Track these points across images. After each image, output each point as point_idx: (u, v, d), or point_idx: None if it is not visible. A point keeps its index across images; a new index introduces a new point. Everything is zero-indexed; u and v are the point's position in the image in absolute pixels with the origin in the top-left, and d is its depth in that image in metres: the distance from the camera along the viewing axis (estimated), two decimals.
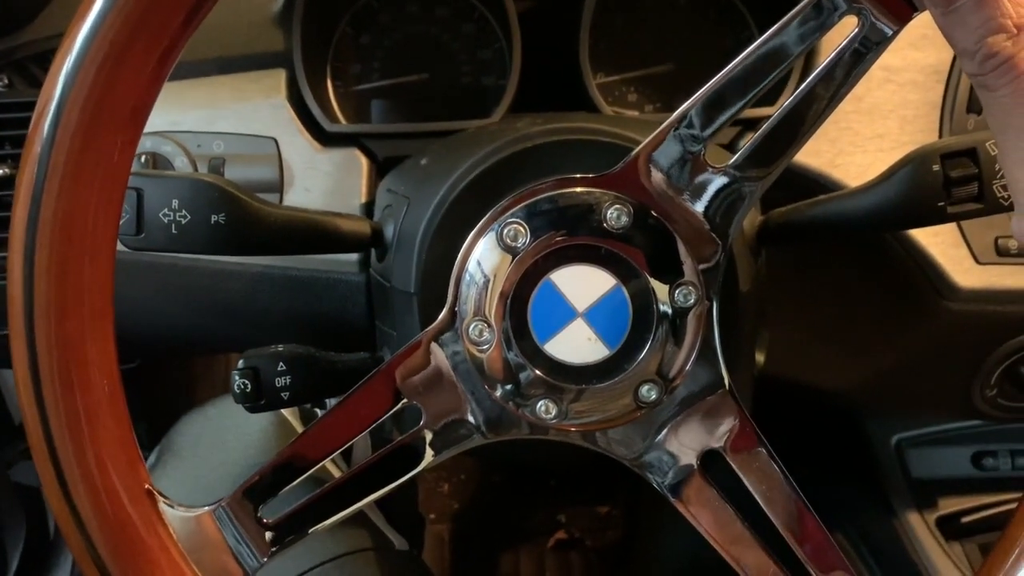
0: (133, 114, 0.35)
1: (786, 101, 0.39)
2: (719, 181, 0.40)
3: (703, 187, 0.40)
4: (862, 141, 0.67)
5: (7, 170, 0.74)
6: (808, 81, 0.40)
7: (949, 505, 0.85)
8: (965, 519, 0.84)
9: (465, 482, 1.45)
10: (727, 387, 0.42)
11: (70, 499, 0.35)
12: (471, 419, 0.42)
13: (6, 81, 0.77)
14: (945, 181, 0.48)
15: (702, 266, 0.41)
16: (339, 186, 0.69)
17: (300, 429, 0.77)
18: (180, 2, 0.35)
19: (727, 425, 0.42)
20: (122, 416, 0.37)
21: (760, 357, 0.62)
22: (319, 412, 0.82)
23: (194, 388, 1.34)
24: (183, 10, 0.35)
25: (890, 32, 0.38)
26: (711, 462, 0.43)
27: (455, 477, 1.45)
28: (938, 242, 0.66)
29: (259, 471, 0.41)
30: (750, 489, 0.42)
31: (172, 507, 0.39)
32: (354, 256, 0.67)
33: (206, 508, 0.40)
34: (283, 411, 0.78)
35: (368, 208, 0.68)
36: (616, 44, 0.77)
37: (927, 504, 0.86)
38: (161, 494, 0.39)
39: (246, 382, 0.53)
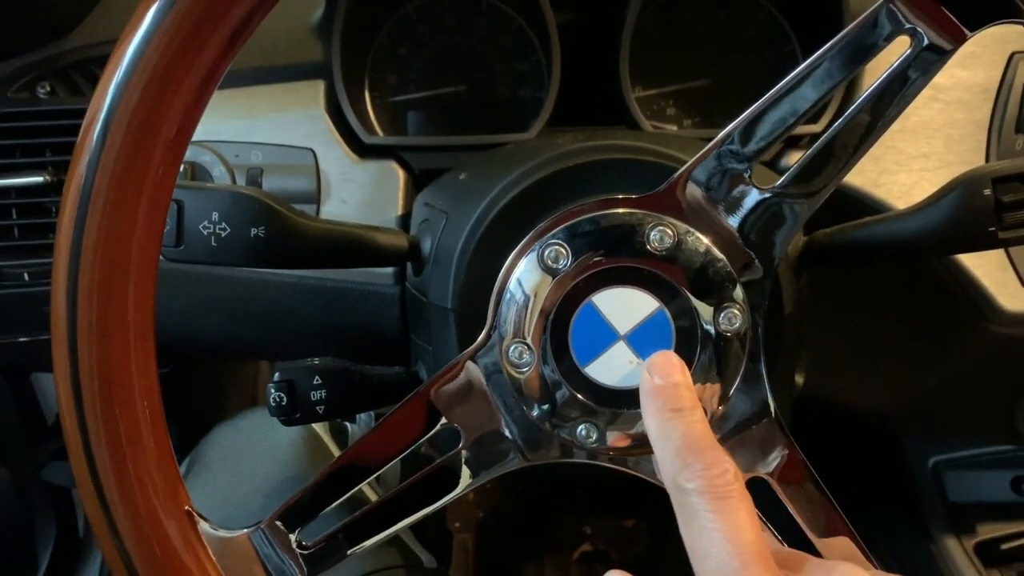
0: (177, 136, 0.35)
1: (831, 119, 0.39)
2: (765, 203, 0.40)
3: (748, 209, 0.40)
4: (907, 160, 0.66)
5: (48, 177, 0.75)
6: (858, 102, 0.39)
7: (988, 531, 0.83)
8: (1005, 546, 0.83)
9: (490, 491, 1.44)
10: (773, 415, 0.41)
11: (110, 518, 0.35)
12: (509, 440, 0.42)
13: (48, 88, 0.78)
14: (996, 206, 0.47)
15: (747, 289, 0.40)
16: (375, 198, 0.69)
17: (330, 443, 0.77)
18: (223, 24, 0.35)
19: (776, 455, 0.41)
20: (162, 436, 0.37)
21: (799, 379, 0.61)
22: (349, 425, 0.82)
23: (224, 393, 1.34)
24: (226, 31, 0.35)
25: (943, 53, 0.37)
26: (752, 488, 0.42)
27: (481, 485, 1.44)
28: (983, 264, 0.65)
29: (296, 494, 0.40)
30: (797, 518, 0.41)
31: (211, 528, 0.39)
32: (389, 268, 0.66)
33: (245, 530, 0.40)
34: (313, 425, 0.78)
35: (404, 220, 0.68)
36: (655, 57, 0.77)
37: (965, 529, 0.84)
38: (200, 515, 0.39)
39: (282, 395, 0.53)
